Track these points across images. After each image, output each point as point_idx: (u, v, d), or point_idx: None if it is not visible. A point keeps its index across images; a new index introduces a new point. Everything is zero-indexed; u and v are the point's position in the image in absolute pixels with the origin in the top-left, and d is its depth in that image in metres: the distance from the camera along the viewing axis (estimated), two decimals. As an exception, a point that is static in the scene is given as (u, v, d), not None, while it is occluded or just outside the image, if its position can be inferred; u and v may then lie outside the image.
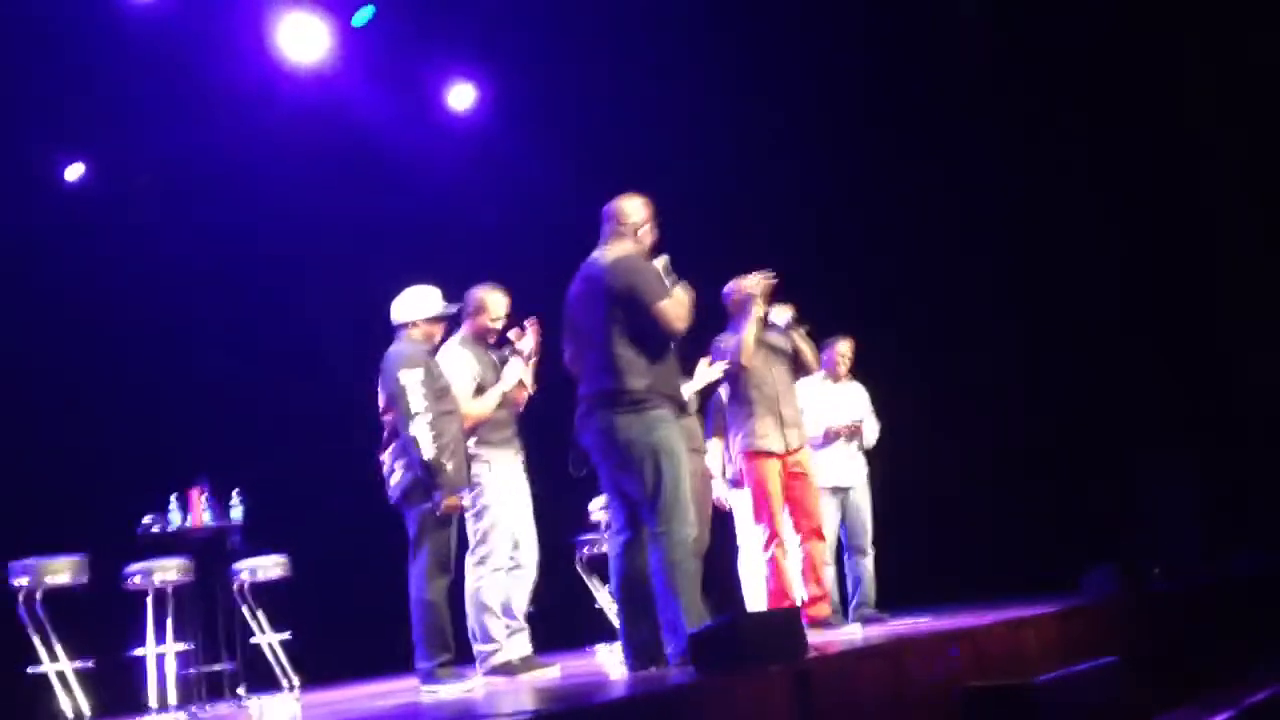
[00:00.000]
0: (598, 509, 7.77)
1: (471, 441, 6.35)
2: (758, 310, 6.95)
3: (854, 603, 7.67)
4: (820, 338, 7.57)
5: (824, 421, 7.67)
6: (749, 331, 6.91)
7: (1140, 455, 9.28)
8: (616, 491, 5.62)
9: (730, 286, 7.06)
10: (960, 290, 9.89)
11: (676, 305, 5.55)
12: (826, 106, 9.79)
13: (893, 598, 7.82)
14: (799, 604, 6.74)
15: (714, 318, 7.00)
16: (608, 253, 5.67)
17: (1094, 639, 6.32)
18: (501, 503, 6.35)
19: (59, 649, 6.58)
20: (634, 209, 5.76)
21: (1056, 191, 9.74)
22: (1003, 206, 9.81)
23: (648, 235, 5.77)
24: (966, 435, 9.47)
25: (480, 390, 6.40)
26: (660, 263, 5.71)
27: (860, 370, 8.03)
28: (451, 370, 6.38)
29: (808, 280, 7.78)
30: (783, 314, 7.12)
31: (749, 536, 7.27)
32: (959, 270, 9.85)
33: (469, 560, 6.34)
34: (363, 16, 8.93)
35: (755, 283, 6.91)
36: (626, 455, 5.46)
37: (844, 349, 7.88)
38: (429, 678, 5.98)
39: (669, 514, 5.42)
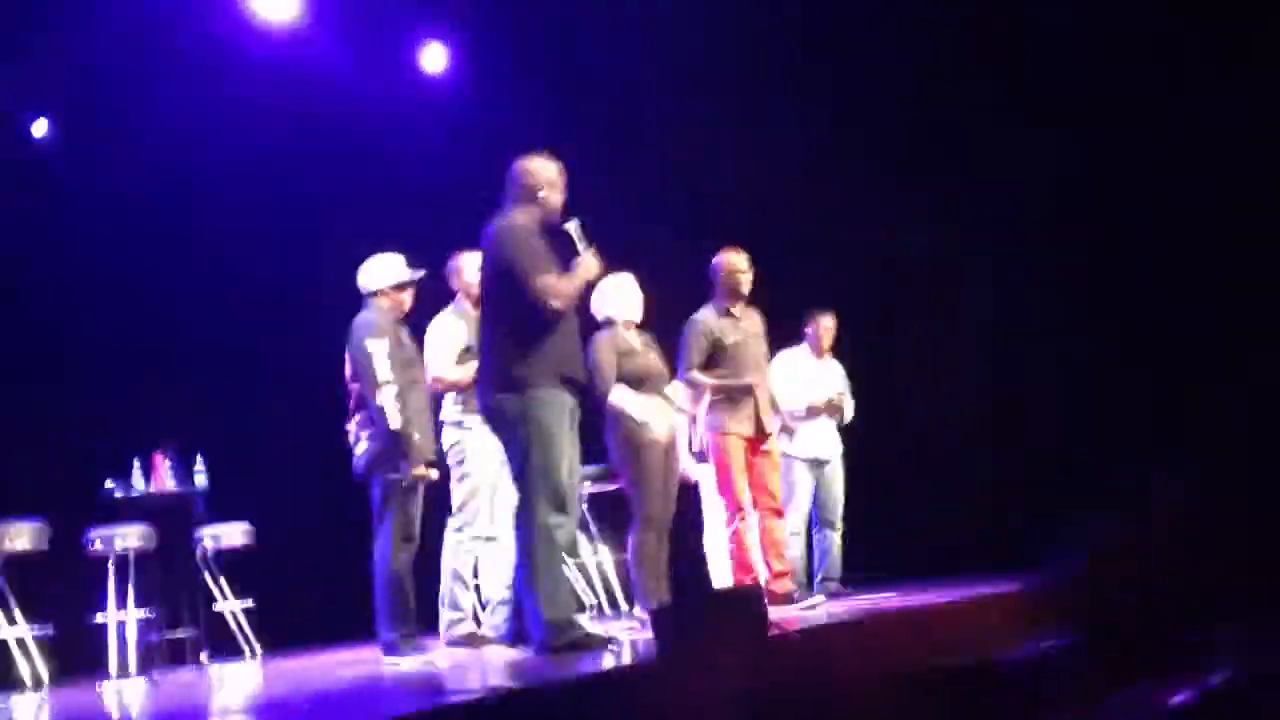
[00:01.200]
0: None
1: (457, 407, 6.30)
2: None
3: (819, 576, 7.69)
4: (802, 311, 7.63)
5: (805, 396, 7.67)
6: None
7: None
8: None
9: (720, 260, 7.04)
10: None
11: (561, 281, 5.27)
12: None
13: (859, 569, 7.80)
14: (762, 580, 6.74)
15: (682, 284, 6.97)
16: (501, 219, 5.40)
17: (1055, 618, 6.34)
18: (482, 470, 6.28)
19: (18, 614, 6.56)
20: (538, 168, 5.46)
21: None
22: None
23: (552, 198, 5.45)
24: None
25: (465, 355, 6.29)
26: (571, 227, 5.45)
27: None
28: (437, 335, 6.34)
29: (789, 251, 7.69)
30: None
31: (714, 510, 7.26)
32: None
33: (450, 525, 6.33)
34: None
35: None
36: (509, 435, 5.31)
37: (827, 324, 7.88)
38: (391, 649, 5.96)
39: (534, 498, 5.21)
